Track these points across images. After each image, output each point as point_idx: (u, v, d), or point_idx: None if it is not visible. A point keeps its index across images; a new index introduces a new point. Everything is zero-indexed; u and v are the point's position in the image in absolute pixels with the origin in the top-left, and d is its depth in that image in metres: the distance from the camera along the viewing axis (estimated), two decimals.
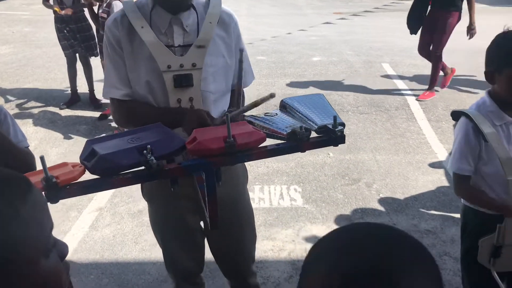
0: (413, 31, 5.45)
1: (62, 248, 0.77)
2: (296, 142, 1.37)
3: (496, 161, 1.64)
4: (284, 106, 1.59)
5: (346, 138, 1.44)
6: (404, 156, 4.19)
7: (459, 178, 1.79)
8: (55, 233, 0.76)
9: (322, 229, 3.07)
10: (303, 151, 1.42)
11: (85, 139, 1.38)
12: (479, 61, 2.04)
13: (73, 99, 5.50)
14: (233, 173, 1.71)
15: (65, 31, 5.18)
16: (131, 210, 3.38)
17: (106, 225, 3.22)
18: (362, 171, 3.90)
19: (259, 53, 7.73)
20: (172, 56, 1.51)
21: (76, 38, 5.23)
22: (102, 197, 3.51)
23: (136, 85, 1.56)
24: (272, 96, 1.38)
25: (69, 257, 2.14)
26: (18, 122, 1.89)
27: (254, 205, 3.31)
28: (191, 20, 1.55)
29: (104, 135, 1.72)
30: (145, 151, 1.20)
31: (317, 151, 4.22)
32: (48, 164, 1.15)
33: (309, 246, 2.89)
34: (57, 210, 3.29)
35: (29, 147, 1.66)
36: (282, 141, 1.41)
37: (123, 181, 1.25)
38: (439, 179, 3.72)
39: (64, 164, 1.25)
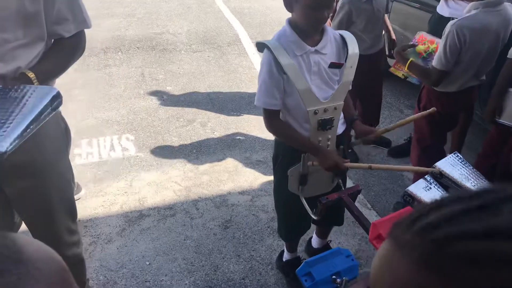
0: None
1: None
2: None
3: (296, 93, 1.65)
4: None
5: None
6: (238, 91, 4.25)
7: (267, 113, 1.76)
8: None
9: (157, 175, 3.00)
10: None
11: None
12: None
13: None
14: (42, 139, 1.48)
15: None
16: None
17: None
18: (197, 111, 3.88)
19: None
20: None
21: None
22: None
23: None
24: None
25: None
26: None
27: (81, 160, 3.11)
28: None
29: None
30: None
31: (149, 93, 4.05)
32: None
33: (143, 195, 2.81)
34: None
35: None
36: None
37: None
38: None
39: None
